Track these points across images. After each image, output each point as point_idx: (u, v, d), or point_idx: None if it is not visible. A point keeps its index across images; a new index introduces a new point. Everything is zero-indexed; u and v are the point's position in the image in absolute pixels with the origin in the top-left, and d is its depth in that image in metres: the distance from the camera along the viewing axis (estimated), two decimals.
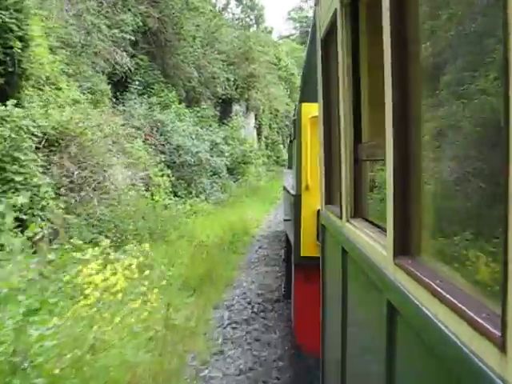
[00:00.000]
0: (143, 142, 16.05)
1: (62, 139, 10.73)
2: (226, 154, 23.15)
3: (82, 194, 10.54)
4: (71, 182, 10.51)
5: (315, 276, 5.01)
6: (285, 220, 8.18)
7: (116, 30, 17.61)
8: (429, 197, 1.81)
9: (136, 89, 18.43)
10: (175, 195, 16.72)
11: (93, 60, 16.00)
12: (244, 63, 32.17)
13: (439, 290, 1.40)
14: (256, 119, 38.05)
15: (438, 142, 1.74)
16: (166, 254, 10.61)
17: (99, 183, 11.16)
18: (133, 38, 18.74)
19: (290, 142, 9.45)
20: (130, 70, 17.76)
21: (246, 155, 26.81)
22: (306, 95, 5.29)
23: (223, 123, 27.98)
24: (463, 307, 1.24)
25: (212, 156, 20.27)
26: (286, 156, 40.59)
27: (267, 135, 40.53)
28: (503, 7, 1.00)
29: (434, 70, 1.74)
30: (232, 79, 29.74)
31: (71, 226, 9.50)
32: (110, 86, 16.67)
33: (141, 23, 19.08)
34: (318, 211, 4.92)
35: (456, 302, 1.29)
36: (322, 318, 4.01)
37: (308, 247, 5.15)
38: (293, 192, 5.74)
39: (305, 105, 5.18)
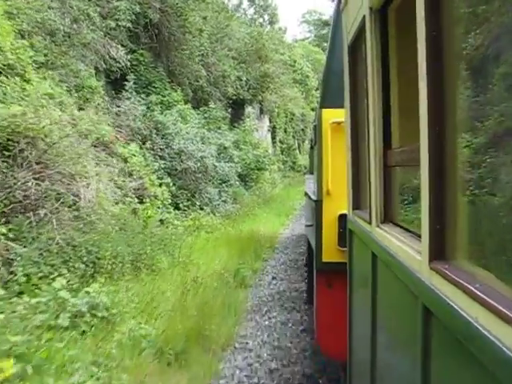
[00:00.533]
0: (140, 146, 14.04)
1: (14, 141, 8.20)
2: (236, 160, 20.89)
3: (41, 212, 7.90)
4: (26, 197, 7.92)
5: (337, 281, 5.02)
6: (306, 225, 8.20)
7: (111, 21, 15.42)
8: (464, 201, 1.82)
9: (134, 87, 16.10)
10: (176, 207, 14.58)
11: (81, 52, 13.63)
12: (257, 62, 29.62)
13: (479, 293, 1.42)
14: (270, 122, 36.40)
15: (474, 147, 1.75)
16: (146, 294, 7.63)
17: (66, 197, 8.54)
18: (131, 30, 16.59)
19: (311, 147, 9.48)
20: (127, 66, 15.57)
21: (260, 161, 24.42)
22: (327, 101, 5.32)
23: (235, 126, 25.86)
24: (505, 311, 1.25)
25: (220, 161, 18.14)
26: (301, 162, 39.88)
27: (282, 139, 38.67)
28: None
29: (471, 73, 1.75)
30: (244, 79, 27.33)
31: (17, 258, 6.84)
32: (102, 83, 14.67)
33: (139, 11, 16.69)
34: (340, 216, 4.94)
35: (498, 305, 1.30)
36: (349, 323, 4.01)
37: (329, 252, 5.17)
38: (314, 197, 5.76)
39: (325, 111, 5.21)
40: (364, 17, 3.08)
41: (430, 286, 1.81)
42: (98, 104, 13.25)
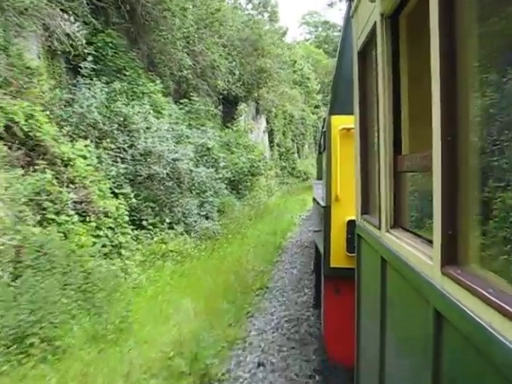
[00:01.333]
0: (95, 144, 10.89)
1: None
2: (223, 164, 17.08)
3: None
4: None
5: (345, 287, 5.03)
6: (314, 231, 8.22)
7: None
8: (476, 207, 1.83)
9: (98, 73, 12.62)
10: (139, 226, 11.05)
11: (15, 20, 9.93)
12: (252, 55, 25.98)
13: (492, 298, 1.43)
14: (268, 124, 33.33)
15: (486, 152, 1.76)
16: None
17: None
18: (95, 4, 13.34)
19: (319, 153, 9.50)
20: (89, 49, 12.32)
21: (255, 165, 21.10)
22: (336, 108, 5.35)
23: (227, 126, 22.83)
24: None
25: (198, 166, 14.24)
26: (301, 167, 37.64)
27: (280, 143, 35.69)
28: None
29: (484, 80, 1.77)
30: (237, 73, 23.88)
31: None
32: (46, 64, 11.23)
33: None
34: (348, 222, 4.95)
35: (510, 309, 1.31)
36: (357, 328, 4.01)
37: (338, 258, 5.18)
38: (322, 203, 5.78)
39: (334, 117, 5.24)
40: (375, 23, 3.10)
41: (442, 291, 1.83)
42: (42, 91, 10.11)
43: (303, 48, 55.58)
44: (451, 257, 1.83)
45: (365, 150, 3.79)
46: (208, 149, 16.28)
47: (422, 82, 2.11)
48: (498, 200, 1.73)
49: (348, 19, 4.87)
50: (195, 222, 13.17)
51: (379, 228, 3.06)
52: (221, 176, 16.54)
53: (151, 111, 13.44)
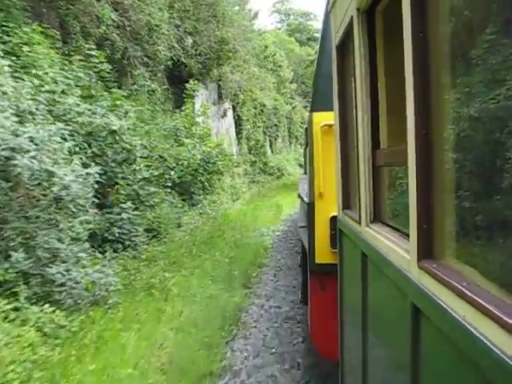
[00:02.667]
0: None
1: None
2: (140, 154, 11.81)
3: None
4: None
5: (330, 282, 5.05)
6: (300, 227, 8.24)
7: None
8: (451, 200, 1.84)
9: None
10: None
11: None
12: (210, 22, 20.80)
13: (467, 292, 1.43)
14: (234, 112, 28.21)
15: (460, 146, 1.77)
16: None
17: None
18: None
19: (305, 147, 9.53)
20: None
21: (211, 161, 16.42)
22: (317, 104, 5.35)
23: (181, 110, 18.26)
24: (492, 308, 1.27)
25: (96, 160, 9.38)
26: (274, 163, 33.60)
27: (250, 135, 30.89)
28: None
29: (456, 74, 1.77)
30: (190, 41, 19.13)
31: None
32: None
33: None
34: (332, 218, 4.97)
35: (485, 303, 1.31)
36: (340, 321, 4.03)
37: (322, 254, 5.20)
38: (306, 200, 5.79)
39: (316, 114, 5.24)
40: (352, 17, 3.09)
41: (419, 285, 1.83)
42: None
43: (274, 35, 53.04)
44: (427, 251, 1.84)
45: (345, 145, 3.79)
46: (112, 132, 10.25)
47: (399, 76, 2.10)
48: (474, 193, 1.74)
49: (328, 14, 4.86)
50: (66, 273, 6.63)
51: (359, 223, 3.07)
52: (147, 175, 11.81)
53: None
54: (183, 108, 18.64)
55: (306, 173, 8.85)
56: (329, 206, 4.99)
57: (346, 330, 3.88)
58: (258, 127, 33.45)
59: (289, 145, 45.47)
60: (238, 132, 29.05)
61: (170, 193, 13.93)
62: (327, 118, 4.93)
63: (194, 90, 19.56)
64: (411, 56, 1.87)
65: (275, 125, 38.41)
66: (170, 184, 14.00)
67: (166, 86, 18.23)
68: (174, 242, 11.35)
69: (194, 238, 12.06)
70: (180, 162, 15.13)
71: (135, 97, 14.71)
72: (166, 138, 15.71)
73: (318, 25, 64.87)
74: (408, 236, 2.04)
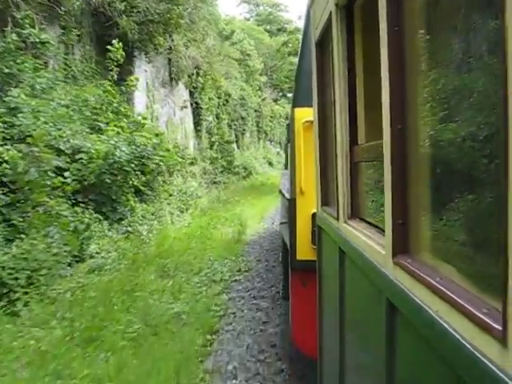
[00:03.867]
0: None
1: None
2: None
3: None
4: None
5: (312, 279, 5.05)
6: (281, 223, 8.24)
7: None
8: (426, 196, 1.83)
9: None
10: None
11: None
12: None
13: (439, 287, 1.43)
14: (193, 98, 23.41)
15: (435, 143, 1.76)
16: None
17: None
18: None
19: (286, 144, 9.53)
20: None
21: (145, 155, 12.37)
22: (299, 100, 5.34)
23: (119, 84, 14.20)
24: (464, 303, 1.26)
25: None
26: (241, 160, 29.55)
27: (212, 128, 26.40)
28: (501, 6, 1.03)
29: (431, 71, 1.77)
30: None
31: None
32: None
33: None
34: (313, 215, 4.96)
35: (456, 298, 1.31)
36: (319, 319, 4.03)
37: (304, 251, 5.19)
38: (288, 196, 5.77)
39: (298, 110, 5.23)
40: (330, 13, 3.08)
41: (394, 281, 1.83)
42: None
43: (242, 24, 50.04)
44: (402, 246, 1.83)
45: (324, 142, 3.79)
46: None
47: (377, 72, 2.10)
48: (448, 188, 1.74)
49: (308, 9, 4.85)
50: None
51: (337, 219, 3.07)
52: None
53: None
54: (120, 82, 14.14)
55: (286, 168, 8.85)
56: (310, 203, 4.98)
57: (325, 326, 3.88)
58: (223, 119, 28.97)
59: (257, 141, 41.61)
60: (197, 123, 24.00)
61: (75, 204, 9.63)
62: (309, 115, 4.92)
63: (124, 58, 13.98)
64: (387, 50, 1.86)
65: (242, 117, 34.09)
66: (83, 190, 10.05)
67: (87, 48, 13.41)
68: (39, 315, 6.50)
69: (81, 306, 7.09)
70: (92, 157, 10.56)
71: (22, 53, 10.43)
72: (72, 120, 11.11)
73: (288, 16, 63.36)
74: (384, 232, 2.03)
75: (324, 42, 3.63)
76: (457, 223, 1.67)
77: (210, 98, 25.95)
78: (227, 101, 30.19)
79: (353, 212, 2.89)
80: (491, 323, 1.11)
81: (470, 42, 1.51)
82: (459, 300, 1.29)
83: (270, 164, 40.48)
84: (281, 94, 55.78)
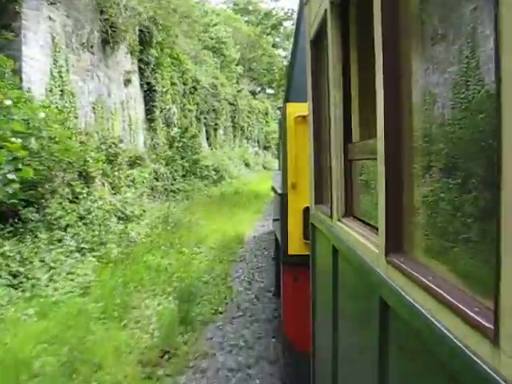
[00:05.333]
0: None
1: None
2: None
3: None
4: None
5: (303, 274, 5.05)
6: (273, 219, 8.23)
7: None
8: (420, 195, 1.83)
9: None
10: None
11: None
12: None
13: (431, 285, 1.43)
14: (143, 76, 18.13)
15: (429, 141, 1.76)
16: None
17: None
18: None
19: (279, 139, 9.56)
20: None
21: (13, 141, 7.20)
22: (292, 95, 5.35)
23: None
24: (455, 302, 1.27)
25: None
26: (210, 161, 24.07)
27: (171, 117, 21.15)
28: (495, 7, 1.03)
29: (425, 70, 1.77)
30: None
31: None
32: None
33: None
34: (305, 210, 4.97)
35: (448, 297, 1.31)
36: (312, 316, 4.04)
37: (295, 246, 5.20)
38: (279, 191, 5.78)
39: (290, 105, 5.23)
40: (325, 11, 3.08)
41: (387, 279, 1.83)
42: None
43: (222, 13, 45.72)
44: (395, 245, 1.84)
45: (318, 139, 3.79)
46: None
47: (371, 70, 2.10)
48: (442, 187, 1.74)
49: (302, 6, 4.85)
50: None
51: (331, 217, 3.07)
52: None
53: None
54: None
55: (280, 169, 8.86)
56: (302, 197, 4.98)
57: (318, 323, 3.88)
58: (189, 110, 23.95)
59: (233, 138, 36.92)
60: (150, 111, 18.79)
61: None
62: (301, 109, 4.92)
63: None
64: (381, 48, 1.86)
65: (214, 110, 29.43)
66: None
67: None
68: None
69: None
70: None
71: None
72: None
73: (267, 6, 61.73)
74: (377, 230, 2.03)
75: (318, 40, 3.63)
76: (450, 222, 1.67)
77: (172, 83, 21.19)
78: (195, 88, 25.31)
79: (346, 210, 2.89)
80: (483, 322, 1.12)
81: (464, 42, 1.51)
82: (451, 299, 1.29)
83: (247, 165, 36.67)
84: (260, 88, 54.08)
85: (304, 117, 4.88)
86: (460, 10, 1.54)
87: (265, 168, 41.25)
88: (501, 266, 1.03)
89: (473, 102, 1.41)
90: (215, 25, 35.53)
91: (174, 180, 19.11)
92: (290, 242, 5.23)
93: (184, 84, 23.31)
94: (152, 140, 19.03)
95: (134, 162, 15.30)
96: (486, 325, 1.10)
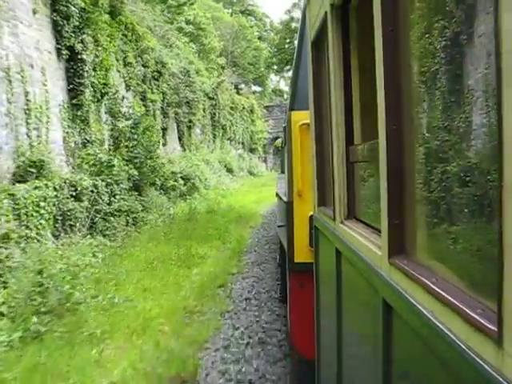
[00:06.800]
0: None
1: None
2: None
3: None
4: None
5: (309, 281, 5.05)
6: (278, 226, 8.23)
7: None
8: (422, 196, 1.83)
9: None
10: None
11: None
12: None
13: (435, 287, 1.43)
14: (61, 38, 12.38)
15: (431, 142, 1.76)
16: None
17: None
18: None
19: (282, 147, 9.54)
20: None
21: None
22: (296, 103, 5.34)
23: None
24: (459, 304, 1.26)
25: None
26: (177, 167, 20.06)
27: (119, 104, 15.98)
28: (495, 8, 1.03)
29: (426, 71, 1.77)
30: None
31: None
32: None
33: None
34: (310, 217, 4.96)
35: (451, 299, 1.31)
36: (317, 320, 4.03)
37: (301, 253, 5.20)
38: (285, 199, 5.78)
39: (295, 113, 5.24)
40: (326, 13, 3.08)
41: (390, 281, 1.83)
42: None
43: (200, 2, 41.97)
44: (398, 247, 1.83)
45: (320, 142, 3.79)
46: None
47: (372, 72, 2.10)
48: (444, 189, 1.74)
49: (304, 9, 4.85)
50: None
51: (334, 219, 3.07)
52: None
53: None
54: None
55: (283, 172, 8.85)
56: (308, 205, 4.98)
57: (322, 327, 3.88)
58: (152, 101, 19.41)
59: (212, 139, 32.09)
60: (74, 90, 13.12)
61: None
62: (306, 117, 4.92)
63: None
64: (382, 50, 1.86)
65: (187, 103, 24.15)
66: None
67: None
68: None
69: None
70: None
71: None
72: None
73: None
74: (380, 232, 2.03)
75: (319, 42, 3.63)
76: (452, 224, 1.67)
77: (125, 62, 16.17)
78: (160, 73, 20.25)
79: (349, 212, 2.89)
80: (486, 324, 1.11)
81: (465, 42, 1.51)
82: (454, 300, 1.29)
83: (230, 171, 31.59)
84: (244, 84, 51.61)
85: (309, 125, 4.88)
86: (460, 11, 1.54)
87: (251, 174, 37.74)
88: (504, 267, 1.02)
89: (474, 103, 1.41)
90: (192, 3, 30.39)
91: (114, 197, 12.94)
92: (296, 249, 5.23)
93: (144, 66, 18.27)
94: (80, 135, 13.29)
95: (25, 172, 9.93)
96: (490, 326, 1.09)
